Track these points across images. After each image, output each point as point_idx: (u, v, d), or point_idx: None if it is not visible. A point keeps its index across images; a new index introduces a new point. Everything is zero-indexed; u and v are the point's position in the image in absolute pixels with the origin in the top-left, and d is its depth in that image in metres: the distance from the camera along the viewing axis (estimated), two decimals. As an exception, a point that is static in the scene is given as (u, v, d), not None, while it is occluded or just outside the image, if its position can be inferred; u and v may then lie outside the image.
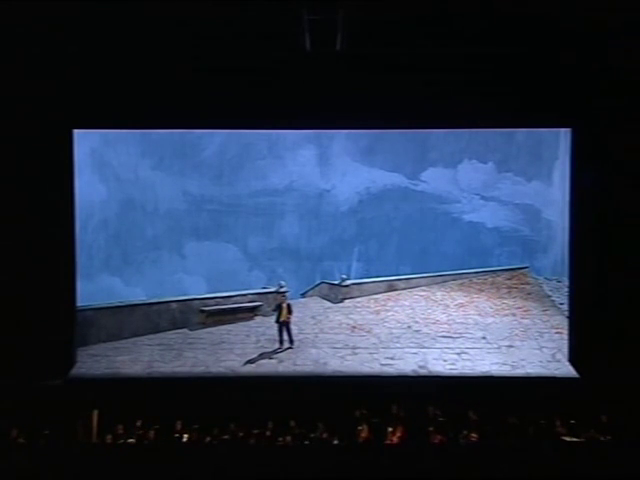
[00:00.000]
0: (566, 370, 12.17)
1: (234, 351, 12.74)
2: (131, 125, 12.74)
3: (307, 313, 13.76)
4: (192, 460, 8.56)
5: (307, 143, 13.58)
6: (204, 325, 13.38)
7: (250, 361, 12.49)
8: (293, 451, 9.50)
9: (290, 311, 12.96)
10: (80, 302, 12.43)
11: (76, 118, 11.95)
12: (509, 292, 14.36)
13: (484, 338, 12.91)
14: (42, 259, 11.76)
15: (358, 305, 14.28)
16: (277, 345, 12.79)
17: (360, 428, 10.63)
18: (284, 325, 12.89)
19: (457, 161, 13.59)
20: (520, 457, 8.50)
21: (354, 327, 13.42)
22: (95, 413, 10.92)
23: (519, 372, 12.16)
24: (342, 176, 13.70)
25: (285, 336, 12.85)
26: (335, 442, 10.39)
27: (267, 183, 13.61)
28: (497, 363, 12.32)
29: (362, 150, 13.61)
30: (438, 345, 12.78)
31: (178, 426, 10.86)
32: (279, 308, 13.02)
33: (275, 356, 12.62)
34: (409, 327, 13.34)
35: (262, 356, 12.61)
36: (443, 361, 12.40)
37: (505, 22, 10.07)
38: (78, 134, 12.20)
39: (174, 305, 13.47)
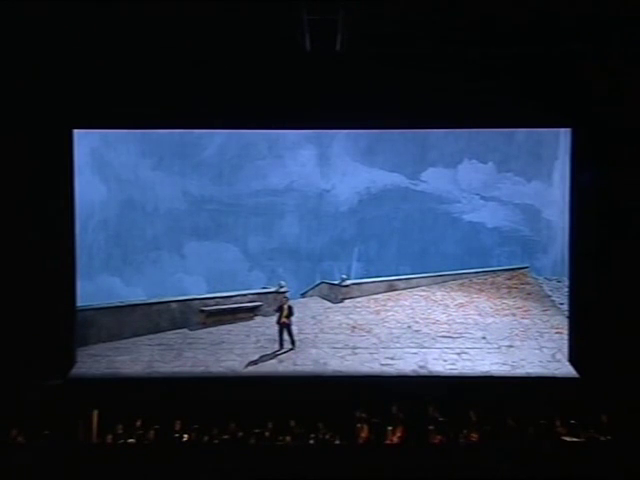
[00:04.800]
0: (566, 370, 12.16)
1: (234, 351, 12.73)
2: (131, 125, 12.74)
3: (307, 313, 13.75)
4: (192, 460, 8.57)
5: (307, 143, 13.59)
6: (204, 325, 13.37)
7: (250, 361, 12.49)
8: (293, 451, 9.51)
9: (291, 313, 12.85)
10: (80, 302, 12.41)
11: (76, 118, 11.94)
12: (509, 292, 14.36)
13: (484, 338, 12.90)
14: (42, 259, 11.75)
15: (358, 305, 14.27)
16: (277, 346, 12.78)
17: (360, 428, 10.63)
18: (284, 327, 12.83)
19: (457, 161, 13.60)
20: (520, 457, 8.51)
21: (354, 327, 13.41)
22: (95, 413, 10.91)
23: (519, 372, 12.15)
24: (342, 176, 13.71)
25: (286, 337, 12.81)
26: (335, 442, 10.39)
27: (267, 183, 13.62)
28: (497, 363, 12.31)
29: (362, 150, 13.62)
30: (438, 345, 12.77)
31: (178, 426, 10.85)
32: (280, 309, 12.96)
33: (275, 356, 12.61)
34: (409, 327, 13.33)
35: (262, 356, 12.61)
36: (443, 361, 12.38)
37: (505, 22, 10.07)
38: (78, 134, 12.19)
39: (174, 305, 13.46)
